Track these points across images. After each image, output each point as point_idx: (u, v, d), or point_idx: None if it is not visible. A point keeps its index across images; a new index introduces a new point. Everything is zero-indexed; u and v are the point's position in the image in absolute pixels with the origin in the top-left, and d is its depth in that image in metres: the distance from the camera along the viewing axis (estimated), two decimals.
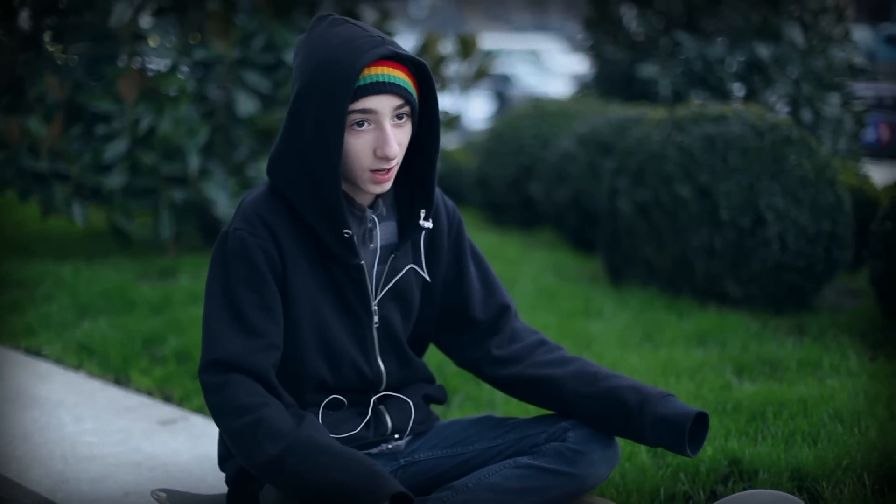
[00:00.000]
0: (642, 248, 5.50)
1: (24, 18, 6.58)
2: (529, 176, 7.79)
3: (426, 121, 2.52)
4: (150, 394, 4.07)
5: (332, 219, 2.43)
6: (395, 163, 2.44)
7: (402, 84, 2.40)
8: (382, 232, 2.59)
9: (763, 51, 8.32)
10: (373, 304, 2.59)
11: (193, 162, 6.11)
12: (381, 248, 2.59)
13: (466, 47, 7.18)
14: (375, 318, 2.61)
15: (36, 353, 4.56)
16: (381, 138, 2.40)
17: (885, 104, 14.74)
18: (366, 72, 2.36)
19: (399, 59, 2.41)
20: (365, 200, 2.55)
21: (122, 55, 6.32)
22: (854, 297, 5.55)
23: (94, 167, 6.11)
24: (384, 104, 2.39)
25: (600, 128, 7.00)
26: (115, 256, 6.33)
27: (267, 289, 2.46)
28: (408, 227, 2.62)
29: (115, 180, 6.06)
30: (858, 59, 8.90)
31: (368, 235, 2.57)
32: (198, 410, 3.86)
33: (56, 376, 4.27)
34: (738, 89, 8.45)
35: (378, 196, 2.56)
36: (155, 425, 3.70)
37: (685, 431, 2.51)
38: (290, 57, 6.39)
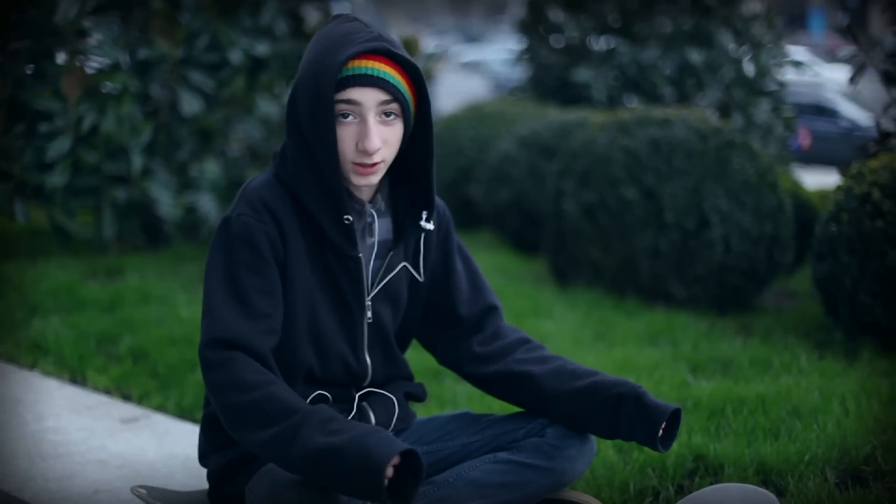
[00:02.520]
0: (588, 249, 5.58)
1: None
2: (468, 178, 7.85)
3: (423, 123, 2.55)
4: (108, 392, 4.05)
5: (333, 204, 2.46)
6: (380, 158, 2.46)
7: (388, 79, 2.43)
8: (379, 228, 2.62)
9: (695, 56, 8.46)
10: (367, 298, 2.62)
11: (136, 161, 6.08)
12: (378, 243, 2.62)
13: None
14: (368, 314, 2.64)
15: None
16: (363, 131, 2.43)
17: (805, 111, 15.05)
18: (353, 63, 2.40)
19: (393, 57, 2.44)
20: (364, 195, 2.58)
21: (64, 52, 6.26)
22: (792, 299, 5.68)
23: (37, 165, 6.05)
24: (368, 97, 2.42)
25: (541, 130, 7.07)
26: (57, 255, 6.27)
27: (270, 273, 2.47)
28: (404, 227, 2.65)
29: (57, 179, 6.00)
30: (792, 64, 9.06)
31: (368, 230, 2.60)
32: (159, 409, 3.85)
33: (11, 374, 4.23)
34: (670, 94, 8.58)
35: (377, 191, 2.59)
36: (117, 423, 3.69)
37: (657, 428, 2.58)
38: (234, 56, 6.38)
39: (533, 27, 9.49)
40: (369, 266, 2.61)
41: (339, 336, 2.61)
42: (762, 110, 8.49)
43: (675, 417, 2.65)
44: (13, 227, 6.89)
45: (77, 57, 6.25)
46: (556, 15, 9.38)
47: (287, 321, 2.52)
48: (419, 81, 2.50)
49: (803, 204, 5.91)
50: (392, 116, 2.47)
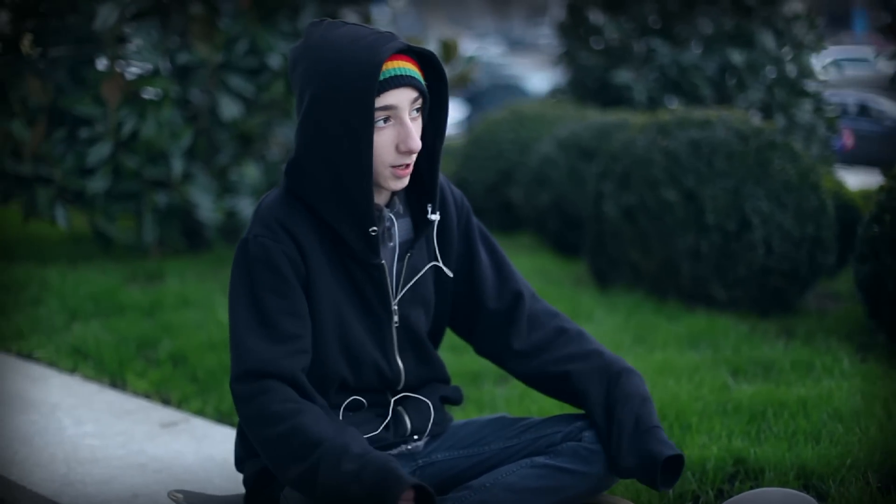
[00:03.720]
0: (628, 251, 5.54)
1: (4, 22, 6.54)
2: (508, 180, 7.83)
3: (433, 114, 2.54)
4: (147, 396, 4.06)
5: (359, 218, 2.44)
6: (414, 157, 2.46)
7: (416, 77, 2.43)
8: (399, 229, 2.61)
9: (736, 57, 8.40)
10: (393, 303, 2.60)
11: (177, 165, 6.10)
12: (398, 245, 2.61)
13: (448, 52, 7.20)
14: (395, 318, 2.62)
15: (28, 356, 4.54)
16: (403, 133, 2.41)
17: (849, 111, 14.93)
18: (384, 67, 2.38)
19: (408, 52, 2.43)
20: (381, 199, 2.57)
21: (105, 58, 6.30)
22: (835, 301, 5.61)
23: (77, 171, 6.10)
24: (403, 98, 2.40)
25: (581, 132, 7.04)
26: (98, 260, 6.31)
27: (293, 294, 2.46)
28: (421, 222, 2.63)
29: (98, 184, 6.04)
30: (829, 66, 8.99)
31: (387, 234, 2.58)
32: (198, 413, 3.86)
33: (51, 379, 4.25)
34: (711, 95, 8.52)
35: (394, 194, 2.58)
36: (156, 428, 3.70)
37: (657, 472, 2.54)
38: (273, 61, 6.39)
39: (573, 29, 9.45)
40: (392, 270, 2.60)
41: (369, 343, 2.59)
42: (804, 111, 8.41)
43: (675, 462, 2.61)
44: (55, 233, 6.94)
45: (117, 63, 6.28)
46: (596, 17, 9.34)
47: (316, 334, 2.51)
48: (432, 68, 2.48)
49: (846, 204, 5.84)
50: (418, 112, 2.46)
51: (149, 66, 6.30)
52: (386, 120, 2.41)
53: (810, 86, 8.69)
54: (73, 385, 4.19)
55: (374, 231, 2.45)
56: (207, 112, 6.34)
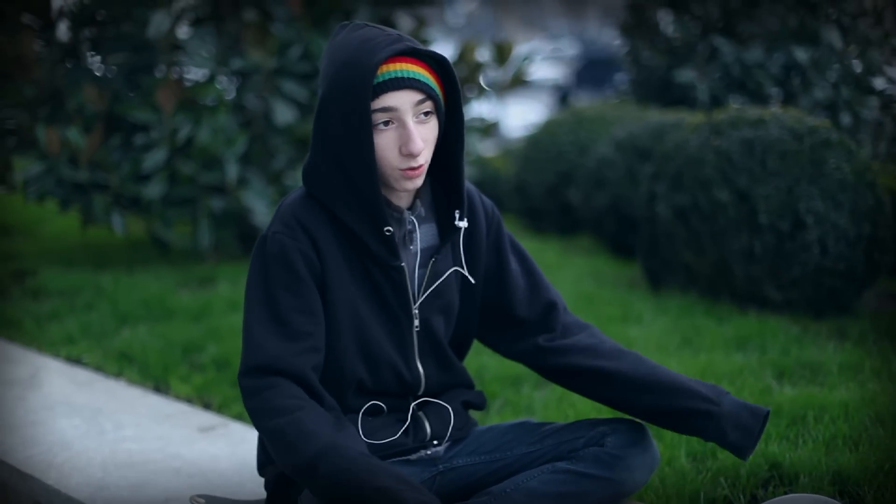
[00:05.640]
0: (681, 253, 5.47)
1: (62, 30, 6.63)
2: (568, 182, 7.78)
3: (452, 118, 2.52)
4: (189, 401, 4.08)
5: (372, 218, 2.43)
6: (424, 159, 2.44)
7: (420, 79, 2.40)
8: (423, 234, 2.59)
9: (801, 54, 8.27)
10: (413, 307, 2.59)
11: (232, 171, 6.13)
12: (421, 250, 2.59)
13: (502, 54, 7.17)
14: (416, 322, 2.61)
15: (76, 361, 4.59)
16: (404, 135, 2.40)
17: None
18: (383, 68, 2.37)
19: (418, 55, 2.41)
20: (402, 202, 2.55)
21: (160, 65, 6.36)
22: (895, 302, 5.50)
23: (134, 177, 6.15)
24: (404, 100, 2.39)
25: (638, 133, 6.98)
26: (154, 265, 6.37)
27: (307, 292, 2.46)
28: (447, 229, 2.61)
29: (153, 190, 6.09)
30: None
31: (408, 238, 2.57)
32: (237, 417, 3.86)
33: (96, 384, 4.29)
34: (776, 93, 8.40)
35: (416, 197, 2.56)
36: (194, 432, 3.71)
37: (755, 433, 2.54)
38: None
39: (635, 28, 9.37)
40: (414, 274, 2.58)
41: (389, 346, 2.58)
42: (871, 108, 8.26)
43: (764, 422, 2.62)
44: (115, 239, 7.01)
45: (173, 69, 6.33)
46: (659, 16, 9.26)
47: (332, 334, 2.51)
48: (447, 75, 2.46)
49: None
50: (427, 115, 2.44)
51: (204, 73, 6.33)
52: (387, 123, 2.39)
53: (877, 83, 8.53)
54: (118, 389, 4.22)
55: (388, 231, 2.44)
56: (262, 117, 6.37)
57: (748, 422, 2.56)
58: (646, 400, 2.63)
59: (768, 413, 2.61)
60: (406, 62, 2.39)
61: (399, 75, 2.37)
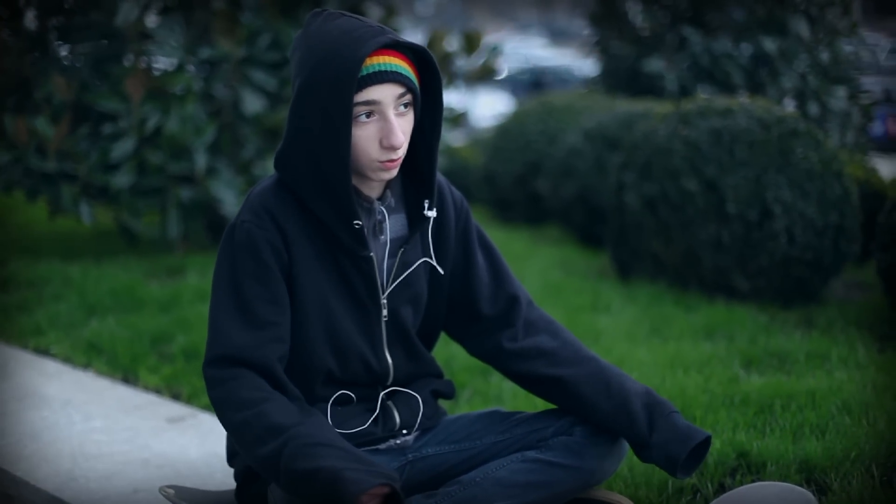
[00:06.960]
0: (650, 242, 5.49)
1: (30, 19, 6.58)
2: (536, 172, 7.79)
3: (426, 108, 2.52)
4: (158, 392, 4.07)
5: (342, 210, 2.43)
6: (403, 151, 2.44)
7: (403, 72, 2.40)
8: (392, 224, 2.59)
9: (769, 44, 8.30)
10: (382, 297, 2.59)
11: (200, 161, 6.11)
12: (390, 240, 2.59)
13: (471, 43, 7.17)
14: (384, 312, 2.61)
15: (44, 352, 4.57)
16: (386, 128, 2.39)
17: (894, 98, 14.75)
18: (367, 61, 2.36)
19: (398, 47, 2.40)
20: (373, 192, 2.55)
21: (129, 54, 6.33)
22: (862, 290, 5.54)
23: (102, 167, 6.12)
24: (387, 94, 2.38)
25: (607, 123, 7.00)
26: (123, 256, 6.34)
27: (273, 282, 2.46)
28: (416, 219, 2.61)
29: (122, 180, 6.06)
30: (864, 53, 8.87)
31: (378, 228, 2.57)
32: (206, 408, 3.85)
33: (65, 375, 4.27)
34: (744, 83, 8.43)
35: (386, 188, 2.56)
36: (163, 423, 3.71)
37: (678, 461, 2.54)
38: None
39: (604, 18, 9.39)
40: (383, 264, 2.58)
41: (357, 336, 2.58)
42: (838, 98, 8.30)
43: (702, 445, 2.61)
44: (82, 229, 6.98)
45: (141, 58, 6.30)
46: (628, 6, 9.27)
47: (300, 324, 2.50)
48: (425, 64, 2.46)
49: (876, 192, 5.75)
50: (406, 107, 2.43)
51: (172, 62, 6.31)
52: (369, 115, 2.39)
53: (846, 72, 8.57)
54: (86, 381, 4.21)
55: (357, 224, 2.44)
56: (231, 107, 6.34)
57: (675, 452, 2.56)
58: (594, 417, 2.65)
59: (707, 439, 2.60)
60: (389, 55, 2.38)
61: (383, 69, 2.36)
